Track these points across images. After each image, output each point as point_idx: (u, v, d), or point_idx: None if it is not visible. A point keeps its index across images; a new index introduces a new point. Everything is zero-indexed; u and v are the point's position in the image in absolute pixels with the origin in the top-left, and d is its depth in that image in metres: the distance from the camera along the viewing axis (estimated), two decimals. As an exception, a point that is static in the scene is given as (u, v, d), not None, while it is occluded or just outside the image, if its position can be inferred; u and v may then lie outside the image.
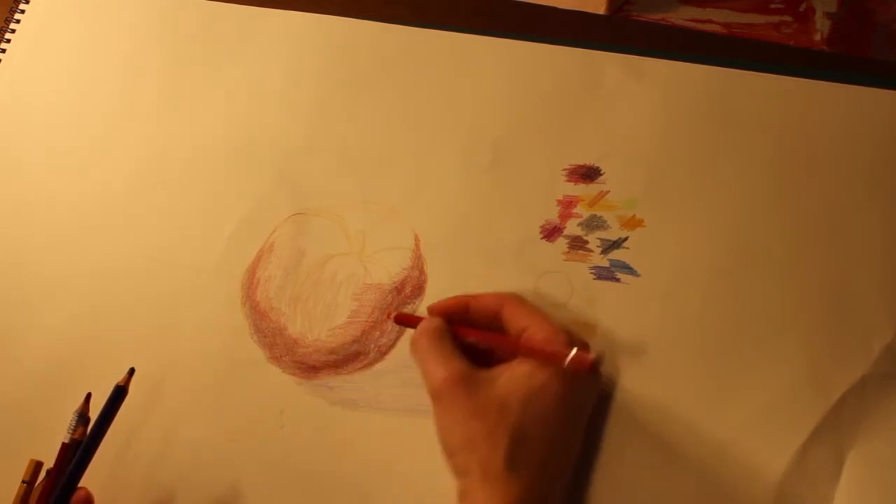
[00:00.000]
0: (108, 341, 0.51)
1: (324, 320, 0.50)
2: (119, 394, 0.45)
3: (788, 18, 0.59)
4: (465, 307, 0.45)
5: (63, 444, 0.44)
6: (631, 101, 0.54)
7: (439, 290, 0.50)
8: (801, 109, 0.53)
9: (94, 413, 0.45)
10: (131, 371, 0.45)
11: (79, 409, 0.45)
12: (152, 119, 0.57)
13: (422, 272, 0.51)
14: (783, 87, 0.54)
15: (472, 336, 0.44)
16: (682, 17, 0.60)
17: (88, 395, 0.45)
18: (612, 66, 0.55)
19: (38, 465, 0.44)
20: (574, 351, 0.40)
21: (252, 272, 0.52)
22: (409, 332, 0.49)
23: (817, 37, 0.59)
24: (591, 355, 0.40)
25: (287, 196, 0.54)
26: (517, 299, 0.45)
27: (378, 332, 0.50)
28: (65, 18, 0.61)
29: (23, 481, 0.44)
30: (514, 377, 0.40)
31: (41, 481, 0.44)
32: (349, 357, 0.49)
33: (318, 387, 0.49)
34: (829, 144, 0.52)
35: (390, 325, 0.50)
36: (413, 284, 0.51)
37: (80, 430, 0.44)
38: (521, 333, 0.43)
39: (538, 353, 0.41)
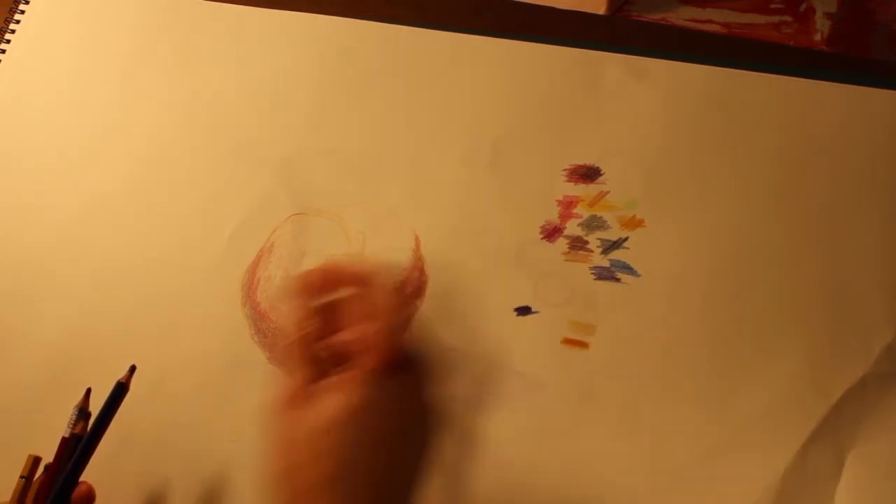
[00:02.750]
0: (108, 341, 0.51)
1: (324, 320, 0.50)
2: (120, 390, 0.45)
3: (788, 18, 0.59)
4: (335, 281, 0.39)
5: (63, 438, 0.44)
6: (631, 101, 0.54)
7: (439, 290, 0.50)
8: (801, 109, 0.53)
9: (94, 410, 0.45)
10: (132, 368, 0.45)
11: (79, 403, 0.45)
12: (152, 119, 0.57)
13: (422, 272, 0.51)
14: (783, 87, 0.54)
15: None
16: (682, 17, 0.60)
17: (88, 391, 0.45)
18: (612, 66, 0.55)
19: (36, 461, 0.44)
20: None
21: (252, 272, 0.52)
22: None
23: (817, 37, 0.59)
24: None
25: (287, 196, 0.54)
26: (368, 289, 0.38)
27: (378, 333, 0.50)
28: (65, 18, 0.61)
29: (21, 476, 0.44)
30: (339, 394, 0.35)
31: (39, 476, 0.44)
32: (349, 357, 0.49)
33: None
34: (829, 144, 0.52)
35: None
36: (413, 284, 0.51)
37: (80, 424, 0.44)
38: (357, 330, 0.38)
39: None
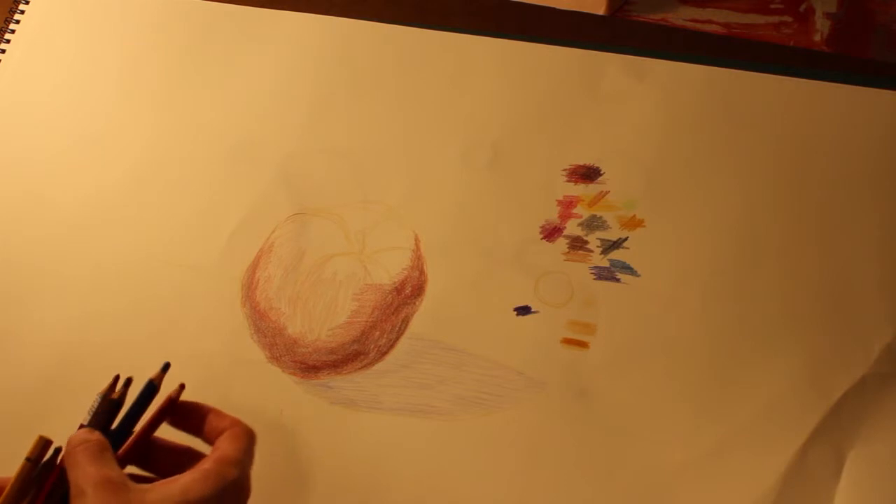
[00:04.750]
0: (107, 341, 0.51)
1: (324, 320, 0.50)
2: (152, 390, 0.43)
3: (788, 18, 0.59)
4: (202, 414, 0.42)
5: (81, 425, 0.40)
6: (631, 102, 0.54)
7: (439, 290, 0.50)
8: (801, 109, 0.53)
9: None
10: (166, 366, 0.43)
11: (103, 391, 0.42)
12: (152, 119, 0.57)
13: (422, 272, 0.51)
14: (783, 87, 0.54)
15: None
16: (682, 17, 0.60)
17: (117, 378, 0.42)
18: (612, 67, 0.55)
19: (46, 443, 0.40)
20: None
21: (252, 272, 0.52)
22: (410, 333, 0.50)
23: (817, 37, 0.59)
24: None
25: (287, 196, 0.54)
26: (237, 430, 0.41)
27: (378, 332, 0.50)
28: (64, 18, 0.61)
29: (27, 458, 0.40)
30: (169, 488, 0.36)
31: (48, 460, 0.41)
32: (349, 357, 0.49)
33: (317, 387, 0.49)
34: (830, 144, 0.52)
35: (390, 326, 0.50)
36: (413, 284, 0.51)
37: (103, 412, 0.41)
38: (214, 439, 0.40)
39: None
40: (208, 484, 0.37)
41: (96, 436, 0.39)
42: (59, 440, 0.44)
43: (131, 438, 0.41)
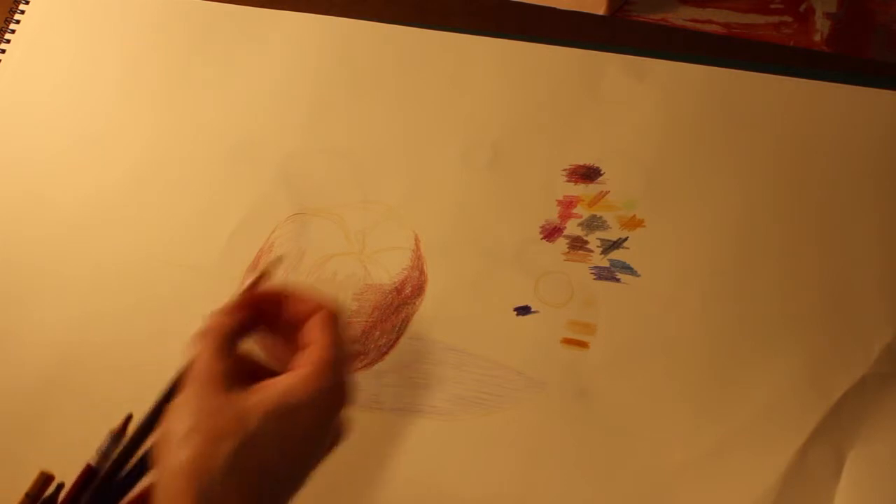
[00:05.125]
0: (107, 341, 0.51)
1: (324, 320, 0.50)
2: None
3: (788, 18, 0.59)
4: (279, 301, 0.41)
5: (88, 465, 0.39)
6: (631, 102, 0.54)
7: (439, 290, 0.50)
8: (801, 109, 0.53)
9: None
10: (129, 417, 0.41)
11: (115, 429, 0.40)
12: (152, 119, 0.57)
13: (422, 272, 0.51)
14: (783, 87, 0.54)
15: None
16: (682, 17, 0.60)
17: (129, 417, 0.41)
18: (612, 67, 0.55)
19: (47, 479, 0.40)
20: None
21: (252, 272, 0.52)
22: (410, 333, 0.50)
23: (817, 37, 0.59)
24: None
25: (287, 196, 0.54)
26: (323, 315, 0.39)
27: (378, 332, 0.50)
28: (64, 18, 0.61)
29: (26, 494, 0.40)
30: (268, 391, 0.36)
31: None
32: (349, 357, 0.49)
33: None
34: (830, 144, 0.52)
35: (390, 326, 0.50)
36: (413, 284, 0.51)
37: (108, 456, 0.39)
38: (304, 347, 0.39)
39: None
40: (308, 389, 0.36)
41: (227, 322, 0.39)
42: (59, 439, 0.44)
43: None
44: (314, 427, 0.36)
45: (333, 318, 0.39)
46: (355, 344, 0.39)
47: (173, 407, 0.36)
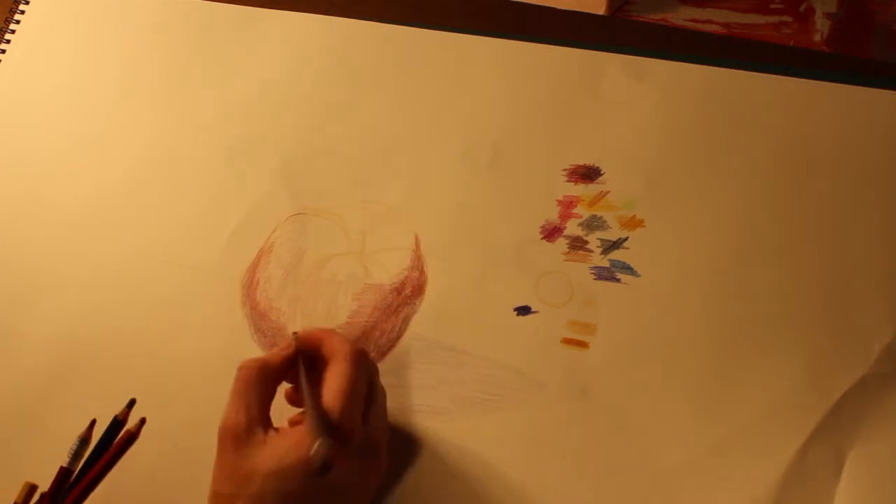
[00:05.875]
0: (107, 342, 0.51)
1: (324, 321, 0.50)
2: (117, 428, 0.44)
3: (788, 18, 0.59)
4: (319, 344, 0.42)
5: (61, 468, 0.43)
6: (631, 102, 0.54)
7: (439, 290, 0.50)
8: (801, 109, 0.53)
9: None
10: (131, 403, 0.45)
11: (82, 434, 0.44)
12: (152, 119, 0.57)
13: (422, 272, 0.51)
14: (783, 87, 0.54)
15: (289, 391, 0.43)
16: (682, 17, 0.60)
17: (93, 423, 0.44)
18: (612, 67, 0.55)
19: (31, 488, 0.43)
20: (316, 445, 0.36)
21: (252, 272, 0.52)
22: (410, 333, 0.50)
23: (817, 37, 0.59)
24: (316, 455, 0.36)
25: (287, 196, 0.54)
26: (343, 357, 0.40)
27: (378, 333, 0.50)
28: (64, 18, 0.61)
29: (15, 503, 0.43)
30: (276, 447, 0.37)
31: None
32: (349, 357, 0.49)
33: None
34: (830, 144, 0.52)
35: (390, 326, 0.50)
36: (413, 284, 0.51)
37: (78, 459, 0.43)
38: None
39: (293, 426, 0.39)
40: (302, 448, 0.36)
41: (253, 366, 0.40)
42: (59, 440, 0.44)
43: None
44: (316, 486, 0.36)
45: (345, 367, 0.39)
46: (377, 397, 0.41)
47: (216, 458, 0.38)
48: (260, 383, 0.39)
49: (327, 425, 0.37)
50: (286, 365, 0.41)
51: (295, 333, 0.44)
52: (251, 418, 0.38)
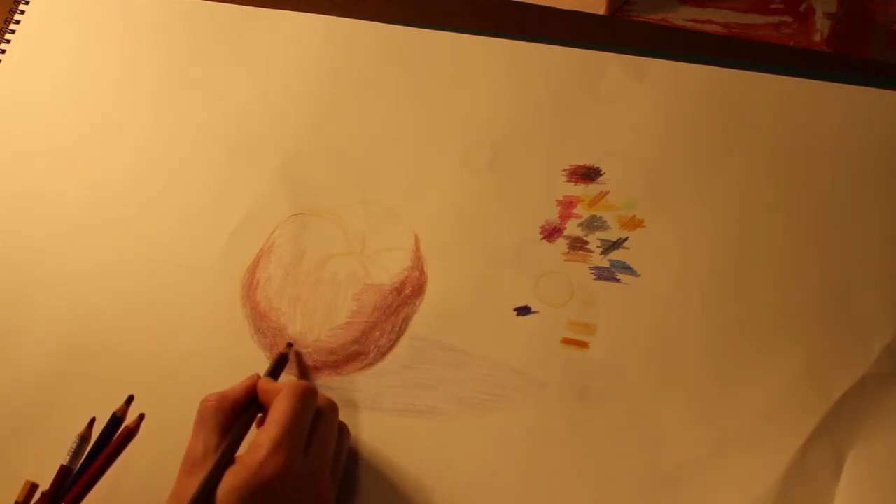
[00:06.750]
0: (107, 342, 0.51)
1: (324, 321, 0.50)
2: (116, 423, 0.44)
3: (788, 19, 0.59)
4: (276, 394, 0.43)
5: (61, 466, 0.43)
6: (631, 102, 0.54)
7: (439, 290, 0.50)
8: (801, 109, 0.53)
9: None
10: (129, 399, 0.46)
11: (81, 432, 0.44)
12: (152, 119, 0.57)
13: (422, 272, 0.51)
14: (783, 88, 0.54)
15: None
16: (682, 17, 0.60)
17: (92, 421, 0.45)
18: (612, 67, 0.55)
19: (32, 487, 0.44)
20: None
21: (252, 272, 0.52)
22: (410, 333, 0.50)
23: (817, 37, 0.59)
24: None
25: (287, 196, 0.54)
26: (285, 392, 0.42)
27: (378, 333, 0.50)
28: (65, 18, 0.61)
29: (16, 502, 0.43)
30: (229, 475, 0.39)
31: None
32: (349, 357, 0.49)
33: (318, 387, 0.49)
34: (830, 144, 0.52)
35: (390, 326, 0.50)
36: (413, 285, 0.51)
37: (78, 458, 0.44)
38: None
39: None
40: (251, 472, 0.38)
41: (212, 399, 0.43)
42: (59, 438, 0.44)
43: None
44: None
45: (292, 394, 0.41)
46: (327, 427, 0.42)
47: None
48: (217, 414, 0.42)
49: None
50: (247, 396, 0.44)
51: (289, 345, 0.48)
52: (207, 447, 0.40)
